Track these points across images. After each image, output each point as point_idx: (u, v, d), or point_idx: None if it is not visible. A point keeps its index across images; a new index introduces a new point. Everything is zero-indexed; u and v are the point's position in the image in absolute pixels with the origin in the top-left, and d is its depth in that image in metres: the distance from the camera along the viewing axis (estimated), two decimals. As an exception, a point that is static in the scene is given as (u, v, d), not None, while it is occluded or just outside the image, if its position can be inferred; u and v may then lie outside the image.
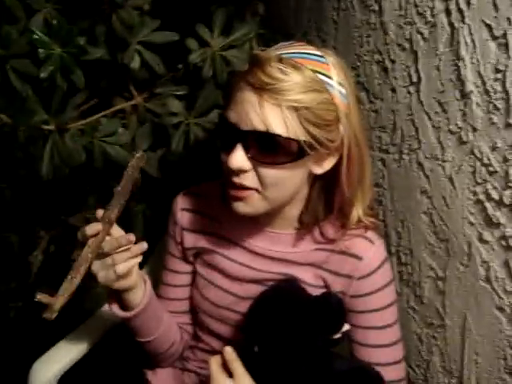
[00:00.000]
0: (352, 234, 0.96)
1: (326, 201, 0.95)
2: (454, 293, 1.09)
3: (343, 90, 0.87)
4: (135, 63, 1.16)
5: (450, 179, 1.05)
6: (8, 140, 1.08)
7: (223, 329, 1.04)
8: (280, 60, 0.83)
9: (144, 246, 0.89)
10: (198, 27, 1.17)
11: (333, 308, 0.87)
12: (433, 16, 1.03)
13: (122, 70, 1.18)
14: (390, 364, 0.97)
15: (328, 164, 0.90)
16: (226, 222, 1.02)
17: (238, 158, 0.84)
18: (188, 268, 1.08)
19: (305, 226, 0.97)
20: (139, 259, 0.90)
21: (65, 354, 1.07)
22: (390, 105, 1.20)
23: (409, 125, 1.14)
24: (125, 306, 0.95)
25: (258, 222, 0.99)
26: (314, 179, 0.93)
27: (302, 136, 0.83)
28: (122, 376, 1.13)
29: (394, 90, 1.18)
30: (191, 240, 1.05)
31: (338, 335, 0.87)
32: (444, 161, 1.06)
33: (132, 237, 0.87)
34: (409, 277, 1.22)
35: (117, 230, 0.89)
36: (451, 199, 1.06)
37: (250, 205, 0.89)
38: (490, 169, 0.95)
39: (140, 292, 0.94)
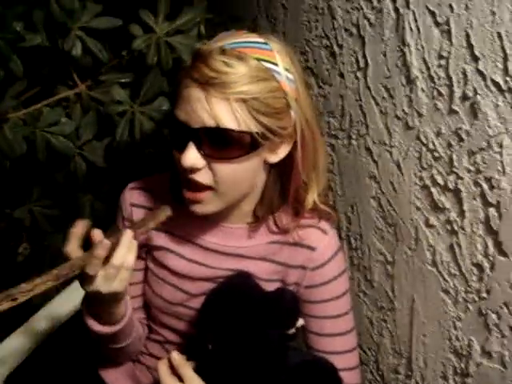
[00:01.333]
0: (305, 224, 0.96)
1: (282, 189, 0.94)
2: (402, 276, 1.11)
3: (290, 76, 0.85)
4: (77, 50, 1.12)
5: (398, 164, 1.06)
6: None
7: (178, 324, 1.02)
8: (223, 52, 0.80)
9: (128, 233, 0.85)
10: (141, 12, 1.14)
11: (286, 304, 0.87)
12: (379, 1, 1.03)
13: (64, 57, 1.14)
14: (345, 352, 0.98)
15: (283, 151, 0.89)
16: (176, 218, 0.99)
17: (191, 156, 0.82)
18: (141, 265, 1.04)
19: (259, 219, 0.95)
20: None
21: (11, 353, 1.03)
22: (338, 90, 1.20)
23: (357, 110, 1.14)
24: (106, 321, 0.91)
25: (211, 218, 0.95)
26: (269, 168, 0.92)
27: (253, 127, 0.81)
28: (74, 374, 1.10)
29: (342, 75, 1.17)
30: (142, 237, 1.02)
31: (292, 330, 0.87)
32: (391, 146, 1.07)
33: (106, 241, 0.81)
34: (359, 261, 1.23)
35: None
36: (399, 184, 1.07)
37: (207, 205, 0.87)
38: (435, 154, 0.97)
39: (123, 302, 0.91)
